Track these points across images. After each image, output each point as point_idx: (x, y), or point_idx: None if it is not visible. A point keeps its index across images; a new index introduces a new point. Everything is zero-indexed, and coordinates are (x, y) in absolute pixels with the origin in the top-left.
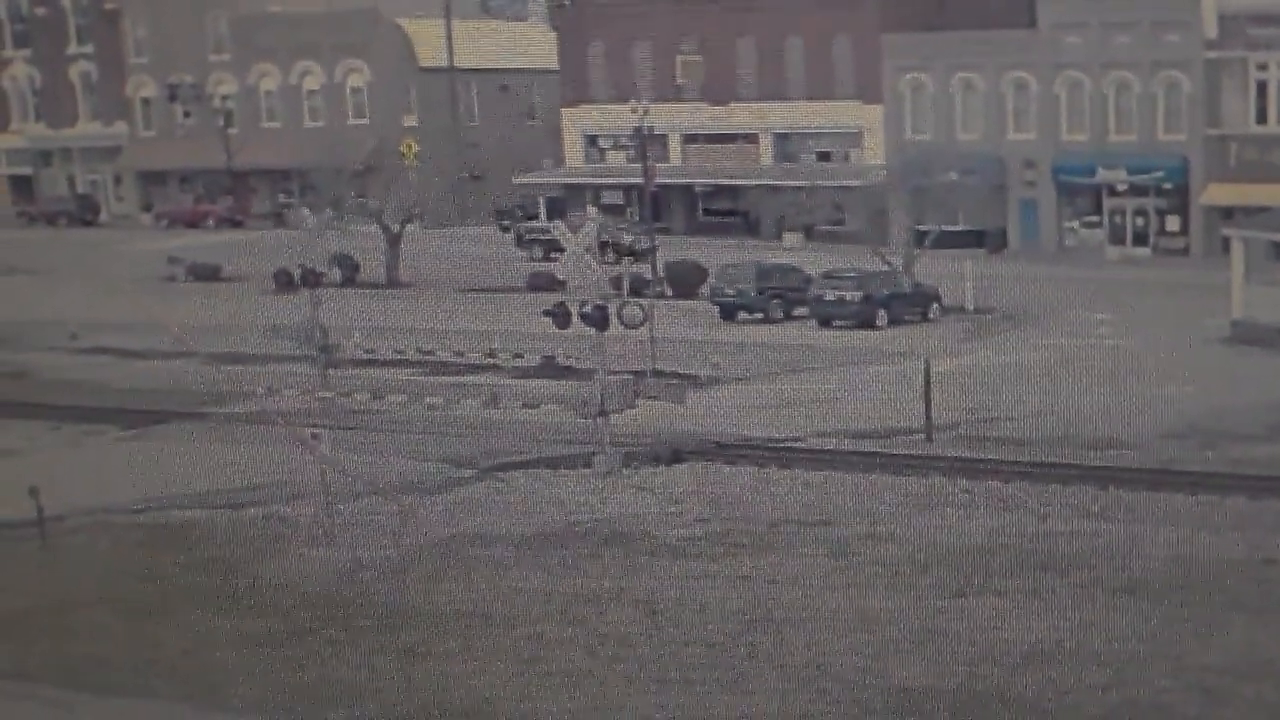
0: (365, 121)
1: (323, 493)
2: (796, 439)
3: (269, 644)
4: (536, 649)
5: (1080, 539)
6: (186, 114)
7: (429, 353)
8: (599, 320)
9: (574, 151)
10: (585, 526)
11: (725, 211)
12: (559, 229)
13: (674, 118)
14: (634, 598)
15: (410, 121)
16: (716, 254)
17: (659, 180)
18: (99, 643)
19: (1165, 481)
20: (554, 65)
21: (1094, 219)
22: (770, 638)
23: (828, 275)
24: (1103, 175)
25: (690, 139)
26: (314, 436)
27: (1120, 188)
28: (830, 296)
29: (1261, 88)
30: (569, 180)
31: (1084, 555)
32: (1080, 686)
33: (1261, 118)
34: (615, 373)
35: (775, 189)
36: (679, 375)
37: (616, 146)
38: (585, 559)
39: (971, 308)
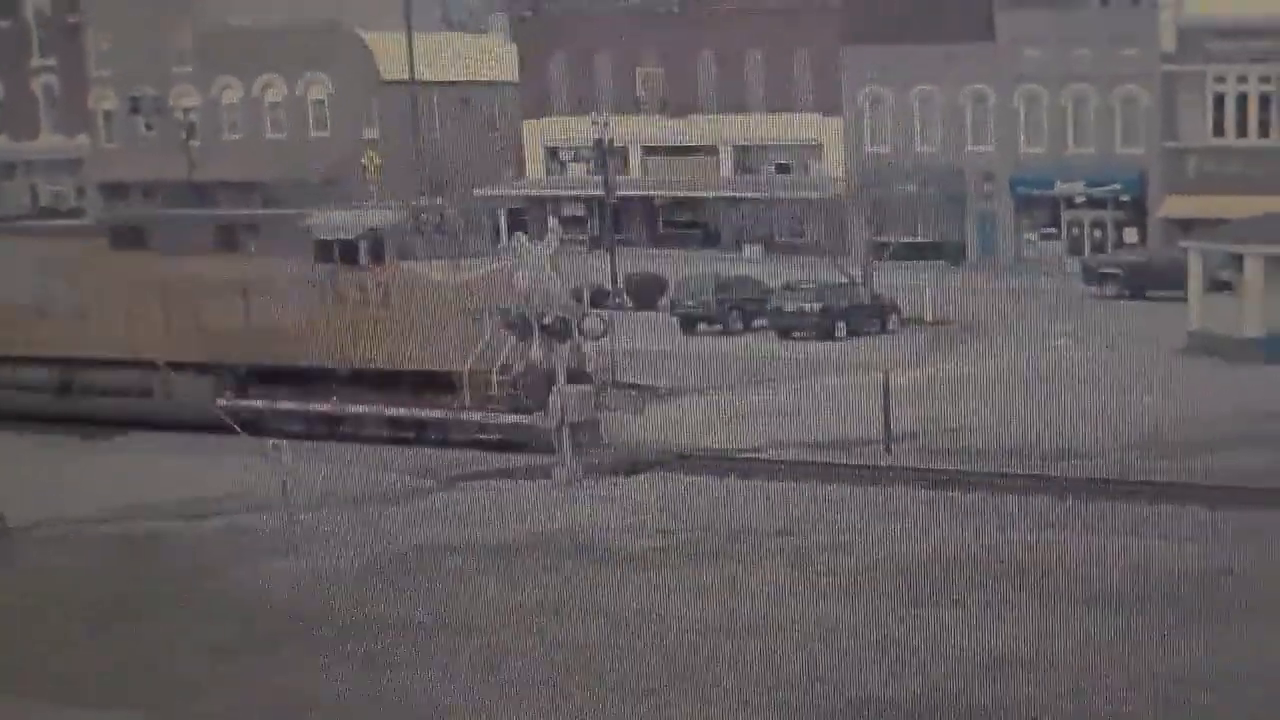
0: (326, 134)
1: (285, 504)
2: (756, 450)
3: (230, 654)
4: (497, 658)
5: (1038, 549)
6: (149, 126)
7: None
8: (560, 332)
9: (535, 164)
10: (545, 537)
11: (685, 223)
12: (519, 241)
13: (634, 130)
14: (595, 608)
15: (371, 134)
16: (676, 265)
17: (619, 192)
18: (59, 653)
19: (1124, 491)
20: (515, 78)
21: (1052, 231)
22: (731, 646)
23: (787, 287)
24: (1061, 188)
25: (651, 151)
26: (275, 447)
27: (1078, 200)
28: (789, 308)
29: (1219, 101)
30: (529, 193)
31: (1042, 565)
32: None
33: (1219, 130)
34: (576, 383)
35: (735, 201)
36: (639, 386)
37: (577, 159)
38: (546, 569)
39: (930, 319)
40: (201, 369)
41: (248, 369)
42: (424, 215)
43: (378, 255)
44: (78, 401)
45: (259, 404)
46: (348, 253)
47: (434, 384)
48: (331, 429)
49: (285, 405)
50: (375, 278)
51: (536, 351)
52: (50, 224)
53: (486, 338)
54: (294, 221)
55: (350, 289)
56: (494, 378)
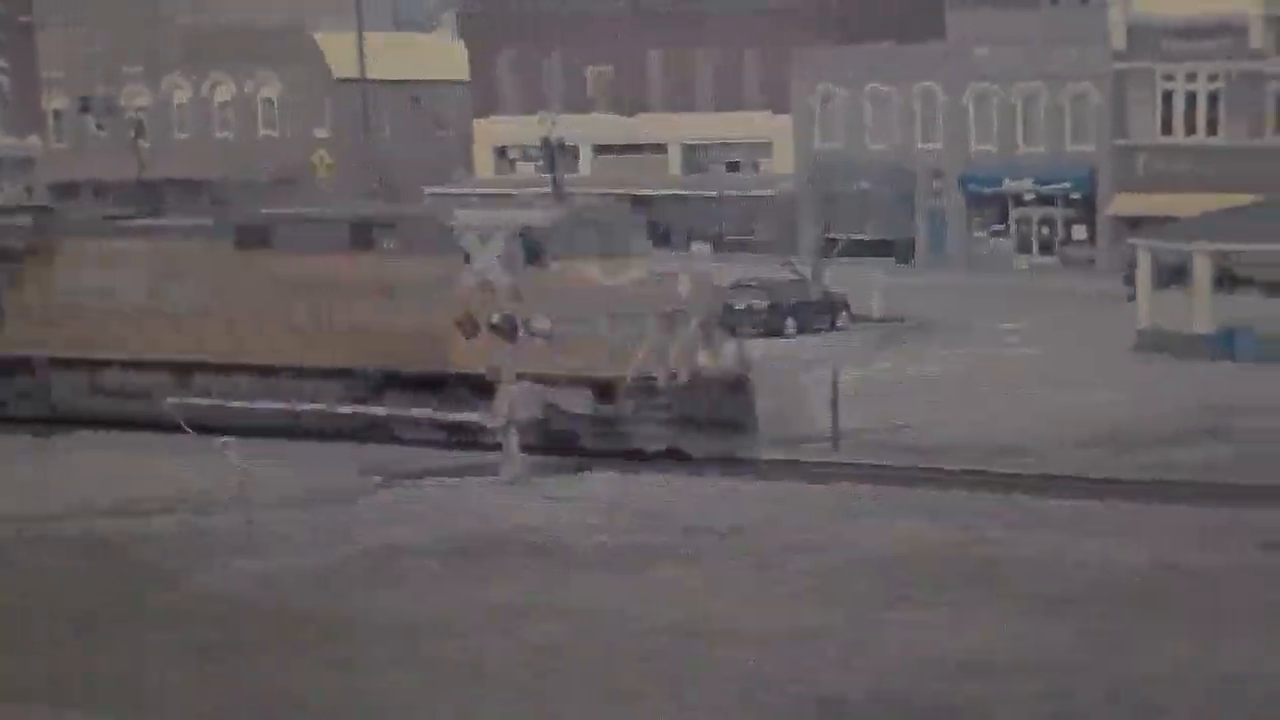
0: (275, 133)
1: (240, 503)
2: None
3: (188, 656)
4: (447, 656)
5: (984, 546)
6: (99, 126)
7: None
8: (508, 330)
9: (484, 162)
10: (501, 536)
11: None
12: (470, 239)
13: (584, 128)
14: (547, 606)
15: (322, 133)
16: None
17: (569, 190)
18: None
19: (1072, 487)
20: (465, 77)
21: (1001, 228)
22: (689, 649)
23: (736, 284)
24: (1010, 185)
25: (601, 149)
26: (224, 445)
27: (1027, 198)
28: (739, 305)
29: (1168, 99)
30: (479, 191)
31: (987, 563)
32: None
33: (1168, 128)
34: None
35: (685, 199)
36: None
37: (527, 157)
38: (503, 568)
39: (880, 316)
40: (331, 374)
41: (383, 374)
42: (583, 213)
43: (534, 255)
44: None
45: (381, 410)
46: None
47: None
48: (468, 438)
49: (418, 412)
50: (531, 278)
51: (703, 356)
52: (168, 222)
53: (649, 342)
54: (440, 220)
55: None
56: (658, 383)
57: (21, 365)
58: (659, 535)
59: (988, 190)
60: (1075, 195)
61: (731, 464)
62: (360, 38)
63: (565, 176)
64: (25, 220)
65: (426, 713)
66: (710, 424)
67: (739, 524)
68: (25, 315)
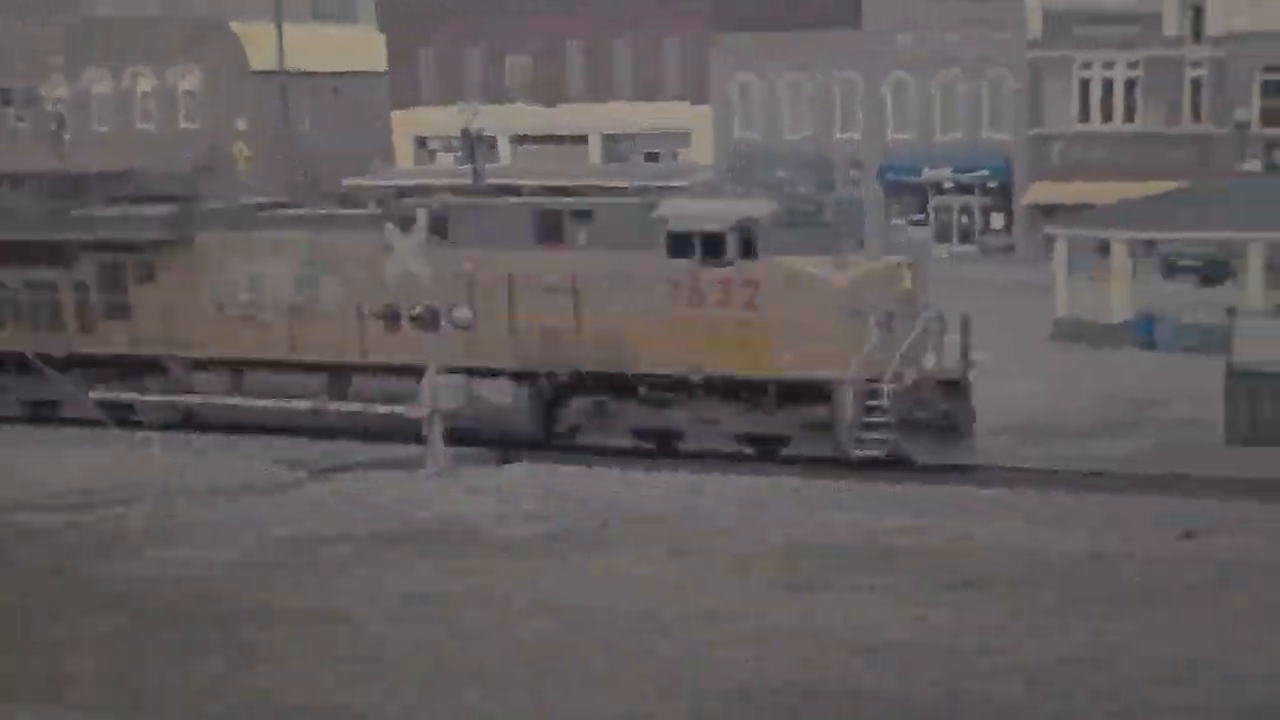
0: (196, 125)
1: (160, 494)
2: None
3: (107, 645)
4: (377, 648)
5: (907, 534)
6: (19, 119)
7: None
8: (429, 322)
9: (404, 153)
10: (422, 526)
11: None
12: (389, 230)
13: (503, 119)
14: (460, 593)
15: (242, 124)
16: None
17: (489, 181)
18: None
19: (992, 478)
20: (384, 68)
21: (920, 217)
22: (608, 634)
23: None
24: (928, 174)
25: (520, 140)
26: (146, 439)
27: (946, 186)
28: None
29: (1085, 86)
30: (399, 182)
31: (898, 550)
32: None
33: (1085, 116)
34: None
35: (604, 189)
36: None
37: (447, 148)
38: (424, 558)
39: None
40: (514, 377)
41: (571, 376)
42: (800, 204)
43: (749, 249)
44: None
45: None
46: (711, 247)
47: (804, 394)
48: (664, 443)
49: (612, 417)
50: (744, 274)
51: (930, 357)
52: (324, 213)
53: (872, 342)
54: (640, 211)
55: (712, 287)
56: (883, 386)
57: (153, 367)
58: (577, 523)
59: (906, 179)
60: (993, 184)
61: (957, 472)
62: (279, 29)
63: (485, 167)
64: (161, 210)
65: (325, 698)
66: (931, 428)
67: (660, 512)
68: (158, 313)
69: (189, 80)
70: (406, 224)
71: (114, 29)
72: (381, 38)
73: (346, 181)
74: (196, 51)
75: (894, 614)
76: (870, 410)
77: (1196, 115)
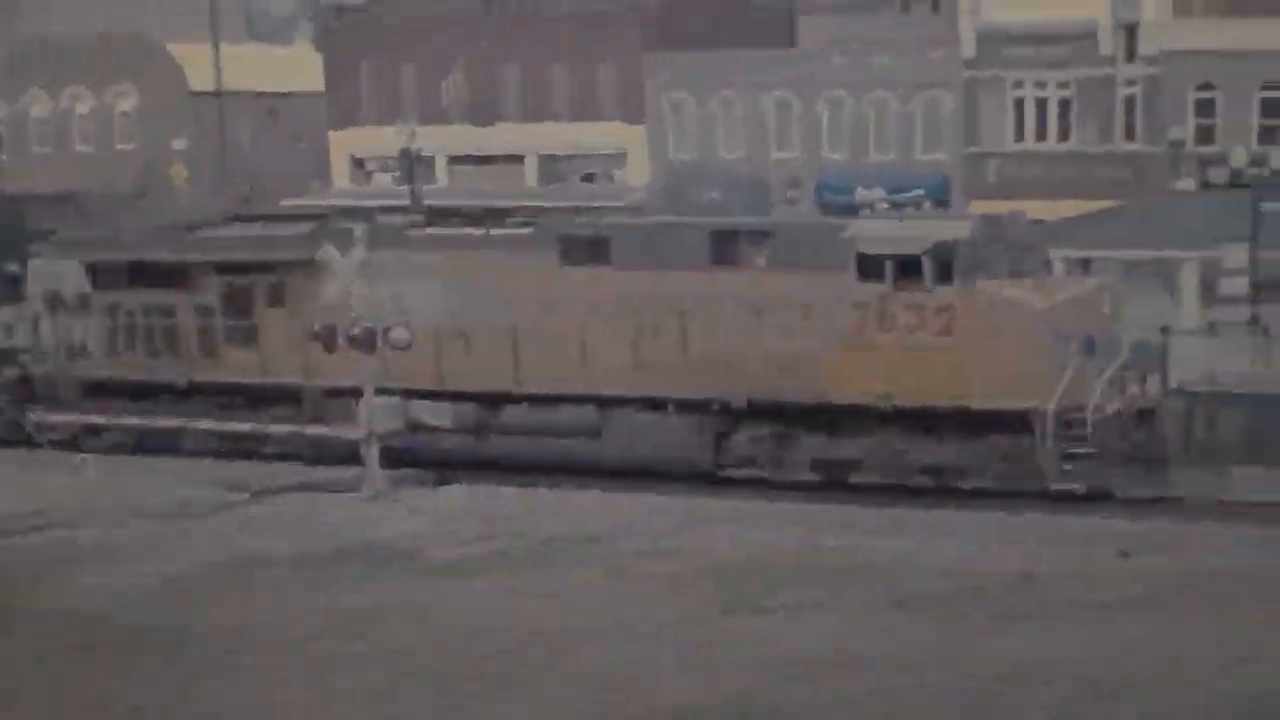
0: (133, 146)
1: (98, 517)
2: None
3: (41, 666)
4: (316, 667)
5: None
6: None
7: None
8: (366, 343)
9: (342, 173)
10: (360, 548)
11: None
12: (328, 251)
13: (440, 140)
14: (412, 615)
15: (179, 145)
16: None
17: (426, 202)
18: None
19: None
20: (321, 88)
21: None
22: (544, 652)
23: None
24: (864, 194)
25: (457, 160)
26: (82, 461)
27: (881, 205)
28: None
29: (1019, 105)
30: (336, 203)
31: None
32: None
33: (1020, 135)
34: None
35: (541, 209)
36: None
37: (384, 169)
38: (361, 579)
39: None
40: (682, 405)
41: (748, 405)
42: (1000, 226)
43: (945, 272)
44: (500, 443)
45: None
46: (906, 270)
47: (999, 425)
48: (840, 474)
49: (788, 448)
50: (938, 299)
51: (1135, 388)
52: (476, 233)
53: (1074, 369)
54: (826, 231)
55: (904, 312)
56: (1085, 416)
57: (285, 396)
58: (514, 544)
59: (841, 199)
60: (928, 202)
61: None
62: (216, 50)
63: (423, 187)
64: (298, 229)
65: (262, 718)
66: (1131, 460)
67: (597, 532)
68: (289, 337)
69: (127, 101)
70: (345, 243)
71: (52, 50)
72: (319, 58)
73: (284, 202)
74: (134, 72)
75: (830, 633)
76: (1071, 441)
77: (1130, 134)
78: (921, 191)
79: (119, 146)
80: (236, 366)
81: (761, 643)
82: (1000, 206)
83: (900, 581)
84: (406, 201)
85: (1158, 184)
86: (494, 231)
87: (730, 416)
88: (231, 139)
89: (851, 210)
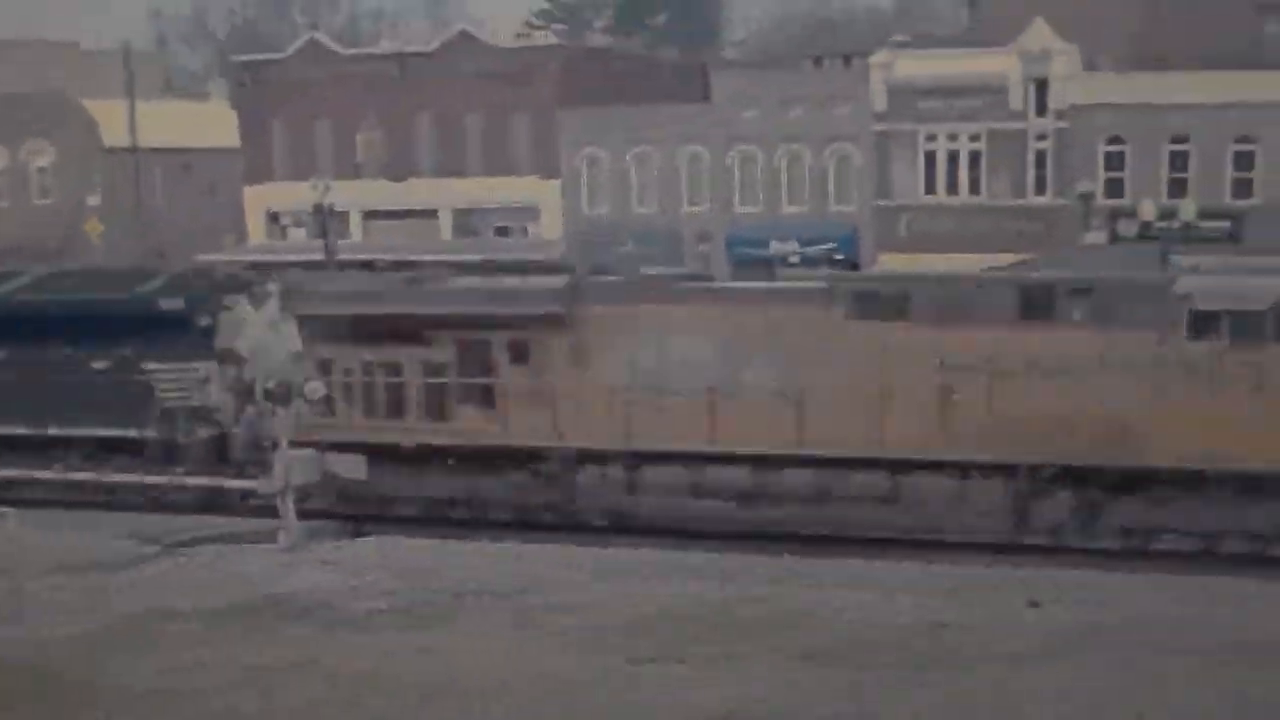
0: (49, 201)
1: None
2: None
3: None
4: (195, 717)
5: (757, 604)
6: None
7: None
8: (282, 396)
9: (256, 229)
10: (271, 601)
11: None
12: (242, 304)
13: (354, 194)
14: (321, 670)
15: (94, 201)
16: None
17: (340, 256)
18: None
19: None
20: (237, 143)
21: None
22: (452, 707)
23: None
24: (776, 247)
25: (371, 215)
26: (2, 514)
27: (793, 259)
28: None
29: (930, 159)
30: (251, 258)
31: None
32: None
33: (931, 188)
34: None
35: (455, 264)
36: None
37: (298, 223)
38: (271, 633)
39: None
40: (985, 469)
41: (1061, 470)
42: None
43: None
44: (772, 510)
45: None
46: (1245, 327)
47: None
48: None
49: (1102, 514)
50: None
51: None
52: (752, 286)
53: None
54: (1154, 287)
55: (1242, 372)
56: None
57: (527, 458)
58: (427, 597)
59: (754, 252)
60: (840, 256)
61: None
62: (132, 105)
63: (337, 242)
64: (553, 282)
65: None
66: None
67: (511, 585)
68: (536, 396)
69: (43, 157)
70: (259, 297)
71: None
72: (233, 114)
73: (199, 257)
74: (50, 128)
75: (739, 685)
76: None
77: (1041, 187)
78: (834, 244)
79: (36, 202)
80: (472, 428)
81: (671, 696)
82: (912, 260)
83: (810, 632)
84: (320, 256)
85: (1068, 237)
86: (773, 285)
87: (1039, 481)
88: (146, 194)
89: (766, 263)
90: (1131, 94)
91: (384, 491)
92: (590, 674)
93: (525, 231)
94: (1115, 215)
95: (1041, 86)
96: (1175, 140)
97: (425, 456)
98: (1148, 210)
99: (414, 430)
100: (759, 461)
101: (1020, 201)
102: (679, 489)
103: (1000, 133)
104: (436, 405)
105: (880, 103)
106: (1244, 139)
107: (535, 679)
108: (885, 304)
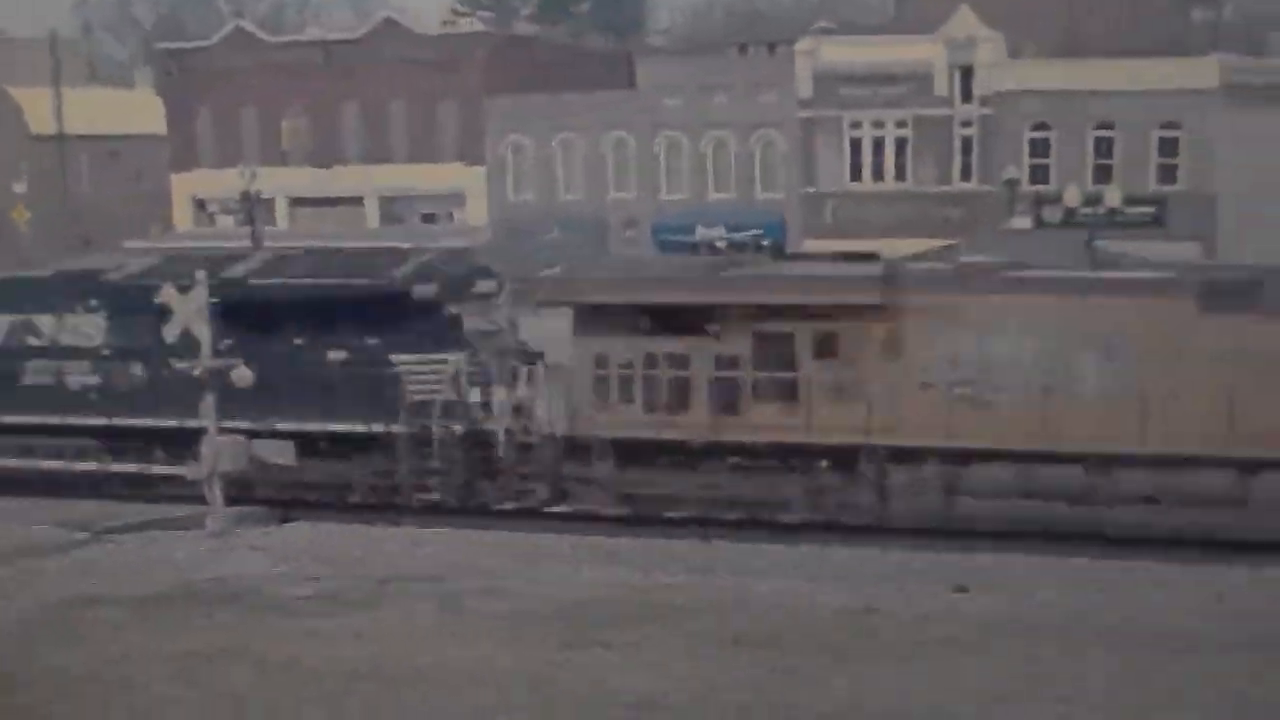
0: None
1: None
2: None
3: None
4: (151, 709)
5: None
6: None
7: None
8: (211, 382)
9: (183, 216)
10: (198, 586)
11: None
12: (168, 292)
13: (281, 181)
14: (247, 656)
15: (20, 188)
16: None
17: (267, 243)
18: None
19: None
20: (163, 131)
21: None
22: (379, 692)
23: None
24: (702, 233)
25: (297, 202)
26: None
27: (719, 245)
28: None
29: (855, 145)
30: (177, 245)
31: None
32: None
33: (856, 175)
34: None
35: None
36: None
37: (225, 211)
38: (198, 618)
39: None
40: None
41: None
42: None
43: None
44: (1105, 511)
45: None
46: None
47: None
48: None
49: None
50: None
51: None
52: (1083, 277)
53: None
54: None
55: None
56: None
57: (832, 455)
58: (354, 582)
59: (680, 238)
60: (766, 242)
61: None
62: (58, 93)
63: (264, 229)
64: (868, 270)
65: None
66: None
67: (437, 570)
68: (844, 393)
69: None
70: (184, 286)
71: None
72: (160, 101)
73: (126, 243)
74: None
75: (665, 670)
76: None
77: (967, 174)
78: (760, 230)
79: None
80: (770, 424)
81: (598, 681)
82: (838, 246)
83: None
84: (247, 243)
85: (994, 223)
86: (1109, 275)
87: None
88: (73, 181)
89: (692, 249)
90: (1056, 80)
91: (658, 491)
92: (515, 659)
93: (451, 218)
94: (1040, 201)
95: (967, 73)
96: (1100, 126)
97: (707, 453)
98: (1073, 196)
99: (698, 426)
100: (1093, 461)
101: (945, 188)
102: (1007, 490)
103: (925, 119)
104: (728, 400)
105: (805, 89)
106: (1169, 125)
107: (459, 664)
108: (1238, 295)
